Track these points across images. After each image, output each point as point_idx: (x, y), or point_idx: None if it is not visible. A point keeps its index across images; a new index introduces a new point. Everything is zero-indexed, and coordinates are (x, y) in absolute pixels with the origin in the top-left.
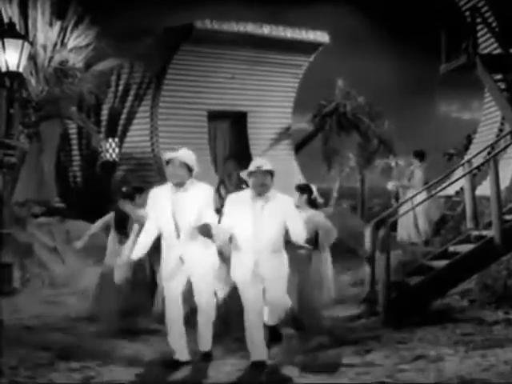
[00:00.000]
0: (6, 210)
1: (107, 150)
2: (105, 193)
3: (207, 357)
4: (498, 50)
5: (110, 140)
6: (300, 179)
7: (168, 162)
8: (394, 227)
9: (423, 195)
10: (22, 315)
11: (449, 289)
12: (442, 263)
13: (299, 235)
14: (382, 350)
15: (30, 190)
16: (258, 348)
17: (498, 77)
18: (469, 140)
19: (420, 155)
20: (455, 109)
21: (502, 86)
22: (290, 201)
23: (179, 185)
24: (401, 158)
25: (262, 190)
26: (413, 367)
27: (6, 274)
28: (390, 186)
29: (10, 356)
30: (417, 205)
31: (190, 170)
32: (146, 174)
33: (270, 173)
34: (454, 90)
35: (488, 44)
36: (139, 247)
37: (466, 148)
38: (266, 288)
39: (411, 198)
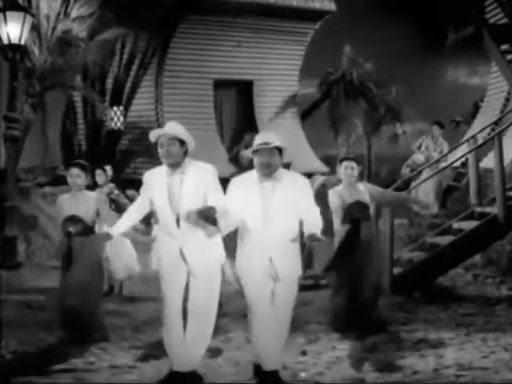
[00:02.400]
0: (10, 182)
1: (112, 119)
2: (110, 162)
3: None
4: (505, 20)
5: (115, 108)
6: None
7: (156, 142)
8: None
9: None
10: (25, 290)
11: (452, 267)
12: (446, 240)
13: (315, 223)
14: (383, 334)
15: (35, 158)
16: (271, 356)
17: (505, 47)
18: (476, 108)
19: (441, 125)
20: (463, 74)
21: (509, 56)
22: (305, 180)
23: (174, 165)
24: (407, 124)
25: (269, 172)
26: (413, 353)
27: (10, 247)
28: (421, 158)
29: (12, 338)
30: (432, 175)
31: (182, 145)
32: (151, 143)
33: (278, 149)
34: (462, 55)
35: (494, 14)
36: (125, 221)
37: (473, 116)
38: (275, 294)
39: (426, 167)
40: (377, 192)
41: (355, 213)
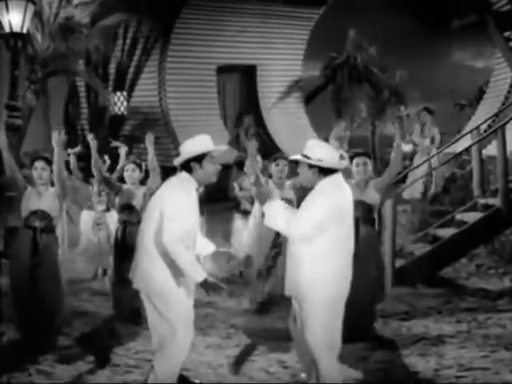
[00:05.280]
0: None
1: (115, 104)
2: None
3: None
4: (508, 7)
5: (118, 93)
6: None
7: (206, 155)
8: (403, 179)
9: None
10: None
11: (455, 259)
12: (448, 232)
13: None
14: (383, 329)
15: (37, 144)
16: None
17: (508, 33)
18: (480, 92)
19: (431, 111)
20: (468, 56)
21: None
22: None
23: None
24: (412, 107)
25: None
26: (413, 351)
27: (12, 237)
28: (408, 148)
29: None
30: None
31: None
32: (154, 128)
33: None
34: (467, 38)
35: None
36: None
37: (478, 100)
38: None
39: (429, 158)
40: (379, 182)
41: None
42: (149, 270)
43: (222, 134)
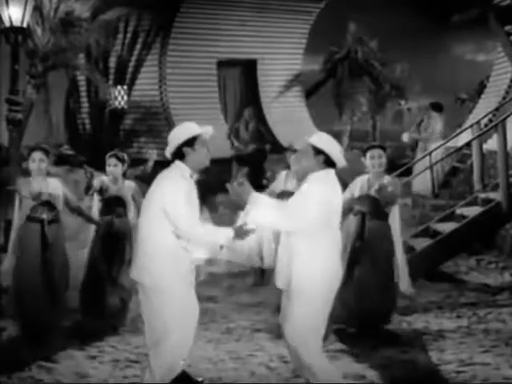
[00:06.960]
0: (13, 165)
1: (116, 98)
2: (113, 141)
3: None
4: (509, 2)
5: (119, 87)
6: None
7: (196, 139)
8: (408, 172)
9: (441, 147)
10: None
11: (455, 254)
12: (449, 227)
13: None
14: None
15: (38, 138)
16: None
17: (509, 27)
18: (481, 86)
19: (438, 107)
20: (469, 50)
21: None
22: None
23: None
24: (413, 101)
25: None
26: (414, 347)
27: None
28: (406, 138)
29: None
30: (439, 160)
31: None
32: (155, 123)
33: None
34: (468, 32)
35: None
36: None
37: (479, 94)
38: None
39: (431, 151)
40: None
41: (361, 206)
42: (146, 266)
43: (223, 128)
